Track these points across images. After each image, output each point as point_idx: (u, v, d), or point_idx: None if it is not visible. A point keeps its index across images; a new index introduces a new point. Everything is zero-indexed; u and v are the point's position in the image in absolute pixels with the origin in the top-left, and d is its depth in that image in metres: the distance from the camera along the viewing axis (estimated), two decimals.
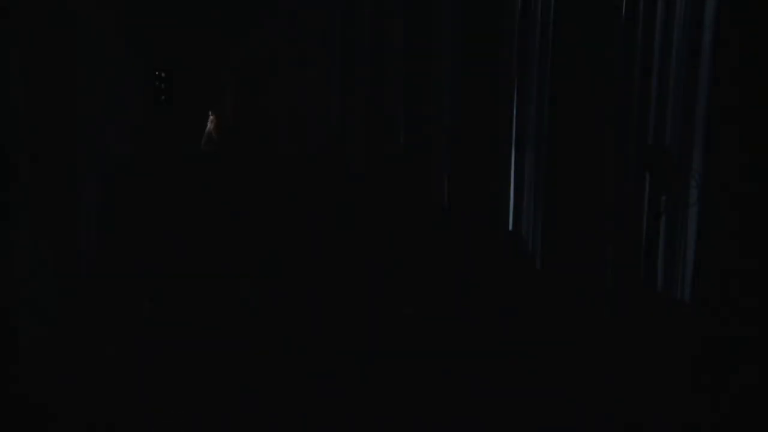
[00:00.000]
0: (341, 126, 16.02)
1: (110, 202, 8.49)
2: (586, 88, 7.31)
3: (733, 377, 4.81)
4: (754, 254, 5.27)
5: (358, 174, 14.34)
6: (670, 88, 6.45)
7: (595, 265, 7.10)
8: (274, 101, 23.33)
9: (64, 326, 4.96)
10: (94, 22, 8.36)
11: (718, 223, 5.70)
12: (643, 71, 6.76)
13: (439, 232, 9.46)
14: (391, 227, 10.38)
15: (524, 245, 8.62)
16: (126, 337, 4.83)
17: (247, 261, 8.83)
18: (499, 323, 7.33)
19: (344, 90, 15.89)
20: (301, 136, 19.91)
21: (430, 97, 11.23)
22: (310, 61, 18.83)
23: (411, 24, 12.24)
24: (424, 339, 8.11)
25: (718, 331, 5.14)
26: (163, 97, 31.67)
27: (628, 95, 6.93)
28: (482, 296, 7.77)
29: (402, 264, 9.29)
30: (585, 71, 7.34)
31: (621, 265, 6.97)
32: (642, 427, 5.24)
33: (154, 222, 8.47)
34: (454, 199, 10.69)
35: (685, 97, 6.26)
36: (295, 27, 19.87)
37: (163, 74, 31.96)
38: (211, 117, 28.39)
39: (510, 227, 9.07)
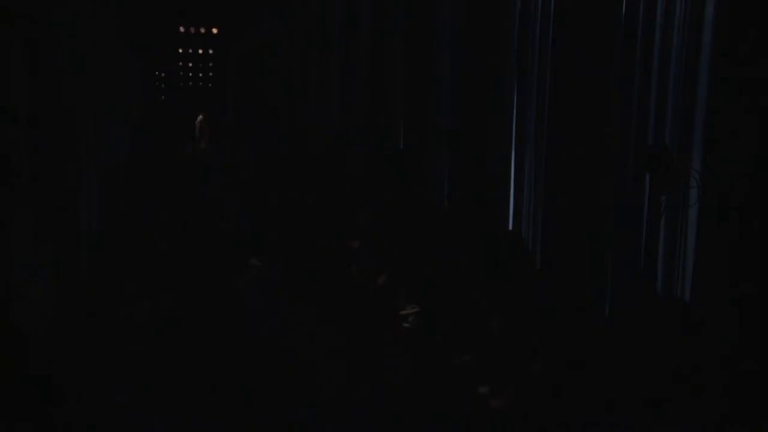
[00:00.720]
0: (341, 126, 16.03)
1: (110, 202, 8.50)
2: (587, 88, 7.31)
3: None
4: (754, 255, 5.28)
5: (357, 173, 14.36)
6: (670, 88, 6.45)
7: (595, 264, 7.11)
8: (274, 101, 23.32)
9: (64, 325, 4.96)
10: (94, 22, 8.36)
11: (718, 223, 5.71)
12: (643, 71, 6.76)
13: (439, 232, 9.46)
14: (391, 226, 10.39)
15: (524, 245, 8.62)
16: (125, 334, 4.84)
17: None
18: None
19: (344, 89, 15.91)
20: (301, 137, 19.92)
21: (430, 97, 11.24)
22: (311, 61, 18.83)
23: (411, 24, 12.26)
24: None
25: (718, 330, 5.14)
26: (162, 97, 31.70)
27: (628, 95, 6.94)
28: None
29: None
30: (585, 71, 7.34)
31: (621, 264, 6.98)
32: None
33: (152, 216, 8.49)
34: (455, 198, 10.71)
35: (685, 97, 6.27)
36: (295, 26, 19.88)
37: (162, 74, 31.99)
38: (199, 117, 28.38)
39: (510, 227, 9.07)
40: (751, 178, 5.32)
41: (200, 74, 36.17)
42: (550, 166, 8.24)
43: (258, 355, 6.29)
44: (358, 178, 14.10)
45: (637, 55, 6.83)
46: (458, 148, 10.46)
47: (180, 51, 29.54)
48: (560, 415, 5.82)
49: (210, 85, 37.04)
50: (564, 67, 7.82)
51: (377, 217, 11.01)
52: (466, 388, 6.86)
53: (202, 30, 25.21)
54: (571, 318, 6.33)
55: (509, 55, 9.10)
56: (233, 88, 33.10)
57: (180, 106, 31.73)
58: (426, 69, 11.41)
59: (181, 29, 24.83)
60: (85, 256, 6.31)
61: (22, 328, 4.21)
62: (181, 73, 35.45)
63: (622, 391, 5.29)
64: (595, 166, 7.21)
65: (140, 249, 7.01)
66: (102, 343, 5.04)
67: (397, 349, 7.82)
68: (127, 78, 15.01)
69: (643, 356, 5.44)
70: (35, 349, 4.37)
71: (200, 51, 29.67)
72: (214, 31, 25.14)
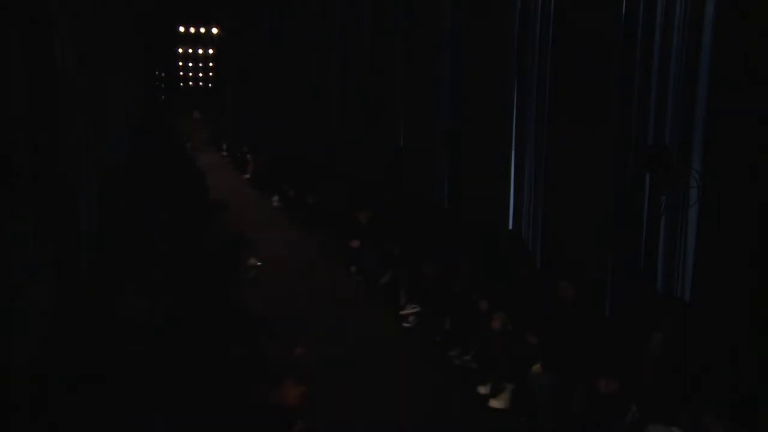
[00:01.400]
0: (341, 125, 16.04)
1: (110, 201, 8.51)
2: (587, 88, 7.32)
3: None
4: (754, 255, 5.28)
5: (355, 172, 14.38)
6: (670, 88, 6.46)
7: (595, 264, 7.11)
8: (273, 101, 23.34)
9: (64, 325, 4.97)
10: (95, 22, 8.37)
11: (718, 223, 5.72)
12: (643, 71, 6.76)
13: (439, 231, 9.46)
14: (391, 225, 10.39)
15: (524, 245, 8.62)
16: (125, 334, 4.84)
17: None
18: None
19: (344, 89, 15.93)
20: (301, 137, 19.93)
21: (430, 96, 11.25)
22: (311, 60, 18.83)
23: (411, 23, 12.27)
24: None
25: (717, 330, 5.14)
26: (162, 97, 31.75)
27: (628, 95, 6.94)
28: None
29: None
30: (585, 71, 7.34)
31: (621, 264, 6.98)
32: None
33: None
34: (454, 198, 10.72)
35: (685, 97, 6.27)
36: (295, 26, 19.90)
37: (164, 74, 32.02)
38: (196, 116, 28.42)
39: (510, 227, 9.08)
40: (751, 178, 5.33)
41: (200, 74, 36.26)
42: (550, 166, 8.25)
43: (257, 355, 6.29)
44: (358, 178, 14.10)
45: (637, 55, 6.83)
46: (458, 147, 10.46)
47: (180, 51, 29.62)
48: (560, 415, 5.83)
49: (210, 85, 37.11)
50: (564, 67, 7.82)
51: (377, 217, 11.01)
52: (466, 388, 6.87)
53: (203, 30, 25.24)
54: (571, 318, 6.34)
55: (509, 55, 9.11)
56: (233, 88, 33.12)
57: (180, 106, 31.82)
58: (426, 68, 11.41)
59: (181, 29, 24.86)
60: (85, 256, 6.31)
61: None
62: (181, 73, 35.53)
63: (622, 391, 5.30)
64: (595, 166, 7.22)
65: (140, 249, 7.01)
66: (102, 343, 5.05)
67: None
68: (127, 78, 15.02)
69: (643, 355, 5.44)
70: (35, 349, 4.38)
71: (200, 51, 29.75)
72: (215, 31, 25.18)
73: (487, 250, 8.17)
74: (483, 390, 6.73)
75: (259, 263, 9.51)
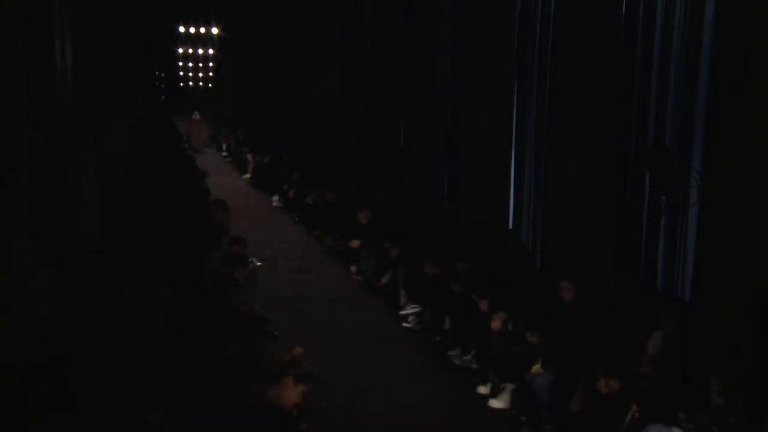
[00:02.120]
0: (341, 124, 16.04)
1: (110, 201, 8.50)
2: (586, 88, 7.32)
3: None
4: (752, 254, 5.28)
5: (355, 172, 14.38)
6: (670, 88, 6.46)
7: (595, 264, 7.11)
8: (273, 101, 23.33)
9: (64, 325, 4.97)
10: (95, 22, 8.36)
11: (718, 223, 5.72)
12: (643, 71, 6.77)
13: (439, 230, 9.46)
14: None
15: (524, 245, 8.62)
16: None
17: None
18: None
19: (343, 89, 15.93)
20: (300, 136, 19.94)
21: (430, 96, 11.25)
22: (311, 60, 18.83)
23: (411, 23, 12.27)
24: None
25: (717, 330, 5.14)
26: (162, 97, 31.74)
27: (628, 95, 6.94)
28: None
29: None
30: (585, 71, 7.34)
31: (621, 264, 6.98)
32: None
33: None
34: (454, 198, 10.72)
35: (685, 97, 6.27)
36: (295, 26, 19.89)
37: (163, 74, 32.02)
38: (195, 116, 28.42)
39: (510, 227, 9.08)
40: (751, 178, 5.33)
41: (200, 74, 36.27)
42: (550, 166, 8.25)
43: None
44: (358, 178, 14.09)
45: (637, 55, 6.83)
46: (458, 147, 10.47)
47: (180, 51, 29.62)
48: (560, 415, 5.82)
49: (210, 85, 37.12)
50: (564, 67, 7.82)
51: (377, 217, 11.01)
52: (466, 388, 6.87)
53: (203, 30, 25.25)
54: (571, 318, 6.33)
55: (509, 55, 9.11)
56: (233, 88, 33.13)
57: (180, 106, 31.81)
58: (426, 68, 11.41)
59: (181, 29, 24.86)
60: (85, 256, 6.31)
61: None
62: (181, 73, 35.55)
63: (622, 391, 5.29)
64: (595, 166, 7.22)
65: (140, 249, 7.01)
66: (102, 343, 5.04)
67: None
68: (127, 78, 15.02)
69: (643, 355, 5.44)
70: (35, 349, 4.38)
71: (200, 51, 29.74)
72: (215, 31, 25.19)
73: (487, 250, 8.16)
74: (483, 390, 6.73)
75: (258, 263, 9.50)
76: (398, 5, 12.76)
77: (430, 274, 8.39)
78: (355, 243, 10.72)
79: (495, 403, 6.52)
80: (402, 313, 8.75)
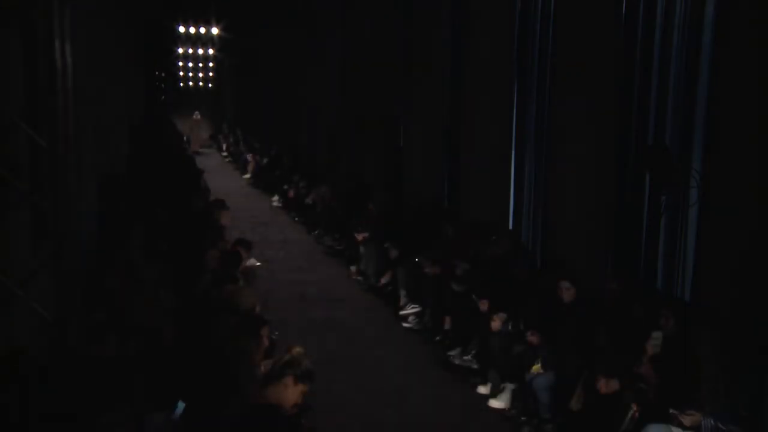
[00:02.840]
0: (340, 124, 16.04)
1: (110, 202, 8.51)
2: (586, 88, 7.32)
3: None
4: (752, 254, 5.28)
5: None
6: (670, 88, 6.46)
7: (595, 264, 7.11)
8: (273, 101, 23.33)
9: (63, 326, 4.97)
10: (95, 22, 8.36)
11: (718, 223, 5.72)
12: (643, 71, 6.77)
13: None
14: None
15: (524, 245, 8.62)
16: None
17: None
18: None
19: (344, 89, 15.93)
20: (300, 137, 19.93)
21: (430, 97, 11.25)
22: (311, 60, 18.82)
23: (411, 23, 12.27)
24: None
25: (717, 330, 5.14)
26: (162, 97, 31.72)
27: (628, 95, 6.94)
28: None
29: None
30: (585, 71, 7.34)
31: (621, 264, 6.98)
32: None
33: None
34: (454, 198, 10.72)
35: (685, 97, 6.27)
36: (295, 27, 19.89)
37: (163, 74, 31.99)
38: (195, 117, 28.39)
39: (510, 227, 9.07)
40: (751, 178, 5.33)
41: (200, 74, 36.24)
42: (550, 166, 8.25)
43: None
44: (358, 178, 14.09)
45: (637, 55, 6.83)
46: (458, 147, 10.46)
47: (180, 51, 29.56)
48: (560, 415, 5.83)
49: (210, 85, 37.10)
50: (564, 67, 7.82)
51: (377, 217, 11.00)
52: (466, 388, 6.87)
53: (203, 30, 25.22)
54: (571, 318, 6.33)
55: (509, 55, 9.11)
56: (233, 88, 33.11)
57: (180, 106, 31.78)
58: (426, 68, 11.40)
59: (181, 29, 24.82)
60: (84, 257, 6.30)
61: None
62: (181, 73, 35.51)
63: (622, 391, 5.29)
64: (595, 166, 7.22)
65: (140, 249, 7.01)
66: (101, 343, 5.05)
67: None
68: (127, 78, 15.02)
69: (643, 355, 5.43)
70: (35, 349, 4.38)
71: (200, 51, 29.68)
72: (215, 31, 25.16)
73: (487, 250, 8.16)
74: (483, 390, 6.73)
75: (258, 263, 9.51)
76: (398, 5, 12.76)
77: (430, 274, 8.39)
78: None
79: (495, 403, 6.52)
80: (402, 313, 8.75)
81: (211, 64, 34.31)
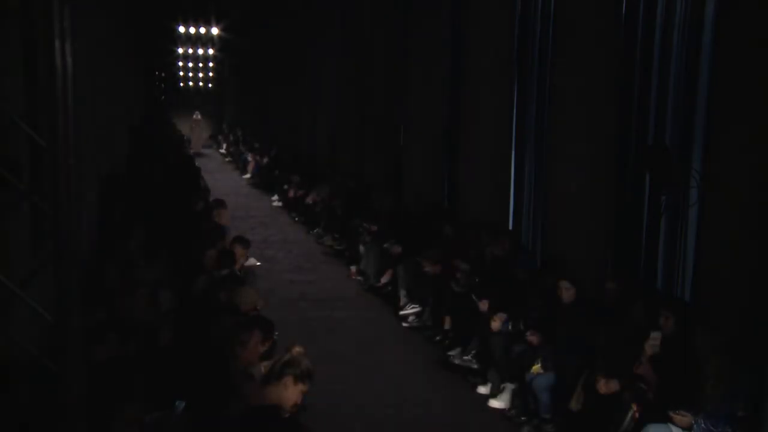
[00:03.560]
0: (340, 125, 16.04)
1: (110, 202, 8.52)
2: (586, 88, 7.31)
3: None
4: (753, 254, 5.28)
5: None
6: (670, 88, 6.45)
7: (595, 264, 7.10)
8: (273, 101, 23.34)
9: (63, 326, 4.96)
10: (95, 22, 8.37)
11: (718, 223, 5.71)
12: (643, 71, 6.76)
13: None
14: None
15: (524, 245, 8.61)
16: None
17: None
18: None
19: (343, 89, 15.93)
20: (300, 136, 19.93)
21: (430, 97, 11.24)
22: (311, 61, 18.83)
23: (410, 24, 12.27)
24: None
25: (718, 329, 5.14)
26: (162, 97, 31.73)
27: (628, 95, 6.94)
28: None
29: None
30: (585, 71, 7.34)
31: (621, 264, 6.97)
32: None
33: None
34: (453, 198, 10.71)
35: (685, 97, 6.27)
36: (295, 27, 19.89)
37: (163, 74, 32.00)
38: (196, 117, 28.39)
39: (510, 227, 9.07)
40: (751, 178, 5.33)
41: (200, 74, 36.23)
42: (550, 166, 8.24)
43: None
44: (358, 178, 14.09)
45: (637, 55, 6.83)
46: (458, 147, 10.46)
47: (180, 51, 29.55)
48: (560, 415, 5.82)
49: (210, 85, 37.09)
50: (564, 67, 7.82)
51: (378, 217, 11.01)
52: (466, 388, 6.87)
53: (203, 30, 25.21)
54: (571, 318, 6.33)
55: (509, 55, 9.10)
56: (233, 88, 33.11)
57: (180, 106, 31.80)
58: (426, 69, 11.40)
59: (181, 29, 24.82)
60: (84, 257, 6.30)
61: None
62: (181, 73, 35.51)
63: (622, 391, 5.29)
64: (595, 166, 7.21)
65: (140, 249, 7.02)
66: (101, 343, 5.05)
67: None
68: (127, 78, 15.02)
69: (643, 355, 5.43)
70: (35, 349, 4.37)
71: (200, 51, 29.67)
72: (215, 31, 25.15)
73: (487, 250, 8.16)
74: (483, 390, 6.73)
75: (258, 263, 9.51)
76: (398, 5, 12.76)
77: (430, 273, 8.39)
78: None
79: (495, 403, 6.52)
80: (402, 313, 8.75)
81: (211, 64, 34.30)
